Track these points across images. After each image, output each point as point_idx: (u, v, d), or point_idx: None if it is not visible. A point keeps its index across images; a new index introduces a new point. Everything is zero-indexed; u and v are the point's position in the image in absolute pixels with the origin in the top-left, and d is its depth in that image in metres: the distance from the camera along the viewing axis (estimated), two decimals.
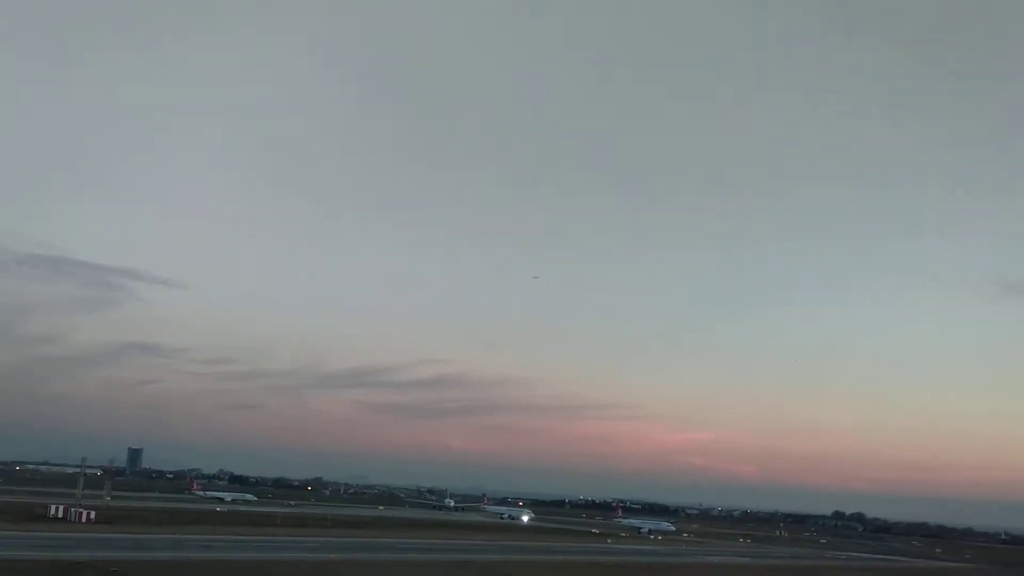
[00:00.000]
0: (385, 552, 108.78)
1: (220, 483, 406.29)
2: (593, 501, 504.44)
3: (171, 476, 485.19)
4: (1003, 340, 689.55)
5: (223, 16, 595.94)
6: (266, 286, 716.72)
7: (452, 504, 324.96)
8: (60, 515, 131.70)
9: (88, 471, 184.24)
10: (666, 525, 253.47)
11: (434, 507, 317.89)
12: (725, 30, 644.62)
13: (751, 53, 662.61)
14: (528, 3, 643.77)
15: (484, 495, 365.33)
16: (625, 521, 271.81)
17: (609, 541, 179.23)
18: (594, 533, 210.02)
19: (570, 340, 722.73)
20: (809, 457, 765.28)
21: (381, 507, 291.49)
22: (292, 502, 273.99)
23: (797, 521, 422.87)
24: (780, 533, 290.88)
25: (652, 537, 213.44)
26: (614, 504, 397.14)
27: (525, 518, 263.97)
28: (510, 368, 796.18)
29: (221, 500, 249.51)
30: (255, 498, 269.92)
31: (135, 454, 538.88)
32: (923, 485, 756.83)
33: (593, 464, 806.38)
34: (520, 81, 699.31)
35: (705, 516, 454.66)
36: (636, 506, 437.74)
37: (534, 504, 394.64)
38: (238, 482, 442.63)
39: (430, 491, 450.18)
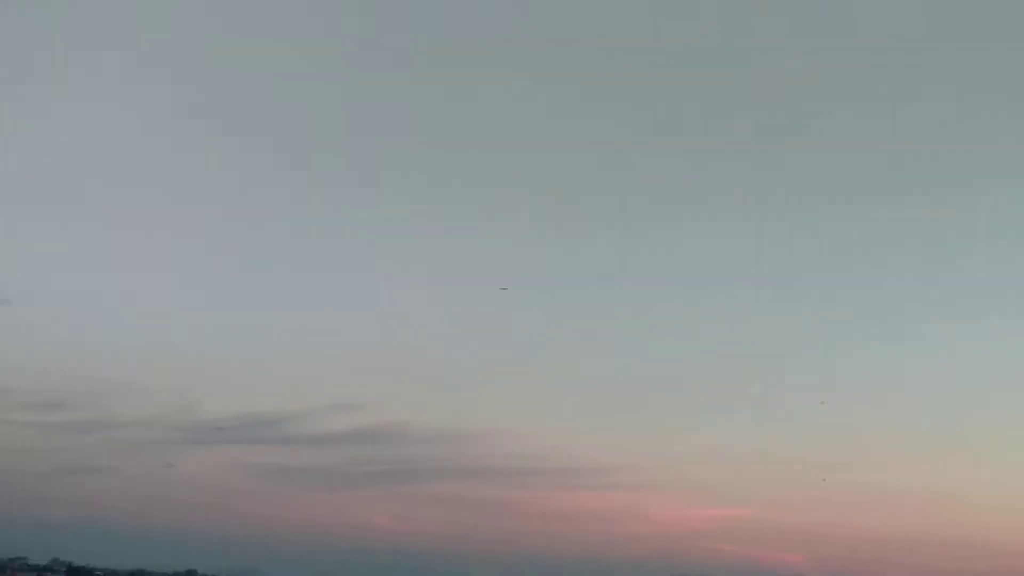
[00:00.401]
0: None
1: None
2: None
3: None
4: None
5: None
6: (120, 301, 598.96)
7: None
8: None
9: None
10: None
11: None
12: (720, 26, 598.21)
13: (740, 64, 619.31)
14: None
15: None
16: None
17: None
18: None
19: (544, 380, 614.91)
20: (877, 540, 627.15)
21: None
22: None
23: None
24: None
25: None
26: None
27: None
28: (460, 418, 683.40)
29: None
30: None
31: None
32: None
33: (580, 550, 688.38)
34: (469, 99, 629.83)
35: None
36: None
37: None
38: (79, 575, 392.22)
39: None
